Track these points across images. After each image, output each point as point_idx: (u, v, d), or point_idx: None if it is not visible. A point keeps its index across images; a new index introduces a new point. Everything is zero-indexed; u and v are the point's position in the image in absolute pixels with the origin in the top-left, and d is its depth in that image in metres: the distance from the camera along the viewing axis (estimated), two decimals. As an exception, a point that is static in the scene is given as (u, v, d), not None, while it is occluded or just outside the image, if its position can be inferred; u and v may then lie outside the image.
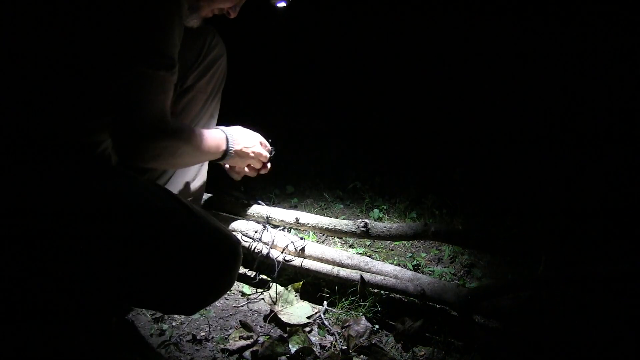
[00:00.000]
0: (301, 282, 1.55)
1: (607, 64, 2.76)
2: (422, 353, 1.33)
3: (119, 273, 0.97)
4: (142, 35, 0.98)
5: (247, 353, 1.28)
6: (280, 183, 2.27)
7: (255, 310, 1.48)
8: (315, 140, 2.74)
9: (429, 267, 1.73)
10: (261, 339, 1.32)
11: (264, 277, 1.62)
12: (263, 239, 1.59)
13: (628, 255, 1.64)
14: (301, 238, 1.59)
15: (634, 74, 2.66)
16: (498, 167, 2.43)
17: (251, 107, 2.79)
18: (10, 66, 0.98)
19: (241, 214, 1.71)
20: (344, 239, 1.89)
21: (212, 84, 1.54)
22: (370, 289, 1.45)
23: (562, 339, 1.25)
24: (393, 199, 2.20)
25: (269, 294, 1.50)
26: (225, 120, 1.65)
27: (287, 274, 1.60)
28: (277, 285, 1.53)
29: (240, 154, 1.42)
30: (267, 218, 1.63)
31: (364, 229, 1.48)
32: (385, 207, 2.13)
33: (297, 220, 1.58)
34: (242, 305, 1.51)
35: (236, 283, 1.57)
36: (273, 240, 1.56)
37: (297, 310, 1.45)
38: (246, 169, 1.53)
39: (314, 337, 1.37)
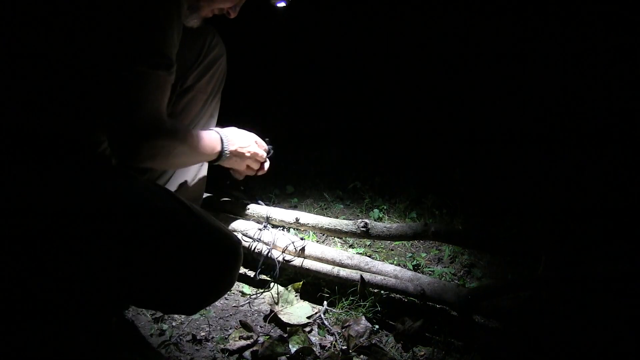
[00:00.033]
0: (301, 282, 1.55)
1: (607, 64, 2.76)
2: (422, 353, 1.33)
3: (119, 273, 0.98)
4: (141, 34, 0.98)
5: (247, 353, 1.28)
6: (280, 183, 2.27)
7: (255, 310, 1.48)
8: (315, 140, 2.74)
9: (429, 267, 1.73)
10: (261, 339, 1.32)
11: (264, 277, 1.62)
12: (263, 239, 1.59)
13: (628, 255, 1.64)
14: (301, 238, 1.59)
15: (634, 74, 2.66)
16: (498, 167, 2.43)
17: (251, 107, 2.79)
18: (10, 66, 0.98)
19: (241, 214, 1.71)
20: (344, 239, 1.89)
21: (212, 84, 1.54)
22: (370, 289, 1.45)
23: (562, 339, 1.25)
24: (393, 199, 2.20)
25: (269, 294, 1.50)
26: (225, 120, 1.65)
27: (287, 274, 1.60)
28: (277, 285, 1.53)
29: (236, 154, 1.42)
30: (267, 218, 1.63)
31: (364, 229, 1.48)
32: (385, 207, 2.13)
33: (297, 220, 1.58)
34: (242, 305, 1.51)
35: (236, 283, 1.57)
36: (273, 240, 1.56)
37: (297, 310, 1.45)
38: (245, 170, 1.53)
39: (314, 337, 1.37)
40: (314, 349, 1.29)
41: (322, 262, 1.51)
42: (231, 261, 1.06)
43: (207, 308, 1.43)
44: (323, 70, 3.18)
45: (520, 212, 2.02)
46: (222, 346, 1.30)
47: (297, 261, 1.53)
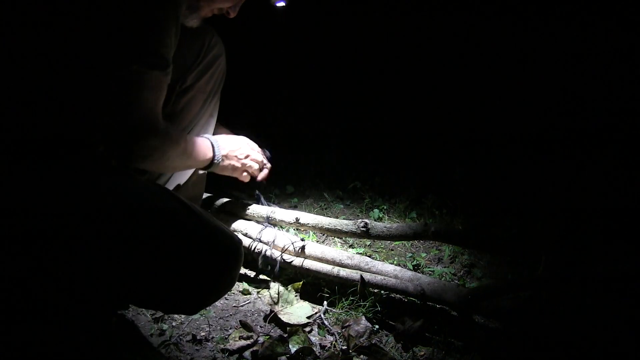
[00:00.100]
0: (301, 282, 1.55)
1: (607, 64, 2.76)
2: (422, 353, 1.33)
3: (119, 273, 0.97)
4: (138, 34, 0.98)
5: (247, 353, 1.28)
6: (280, 183, 2.27)
7: (255, 310, 1.48)
8: (315, 140, 2.74)
9: (429, 267, 1.73)
10: (261, 339, 1.32)
11: (264, 277, 1.62)
12: (263, 238, 1.59)
13: (628, 255, 1.64)
14: (301, 238, 1.59)
15: (634, 74, 2.66)
16: (498, 167, 2.42)
17: (251, 107, 2.80)
18: (8, 66, 0.98)
19: (241, 214, 1.71)
20: (344, 239, 1.89)
21: (211, 84, 1.54)
22: (370, 289, 1.45)
23: (562, 339, 1.25)
24: (393, 199, 2.20)
25: (269, 294, 1.50)
26: (225, 120, 1.65)
27: (287, 274, 1.60)
28: (278, 285, 1.53)
29: (229, 158, 1.43)
30: (267, 218, 1.63)
31: (364, 229, 1.48)
32: (385, 207, 2.13)
33: (297, 220, 1.58)
34: (242, 305, 1.50)
35: (236, 283, 1.57)
36: (273, 240, 1.56)
37: (297, 310, 1.45)
38: (244, 176, 1.53)
39: (314, 337, 1.37)
40: (314, 349, 1.29)
41: (322, 262, 1.51)
42: (231, 261, 1.06)
43: (207, 308, 1.43)
44: (323, 70, 3.18)
45: (520, 212, 2.02)
46: (222, 346, 1.30)
47: (297, 261, 1.53)
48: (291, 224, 1.61)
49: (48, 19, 0.96)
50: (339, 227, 1.54)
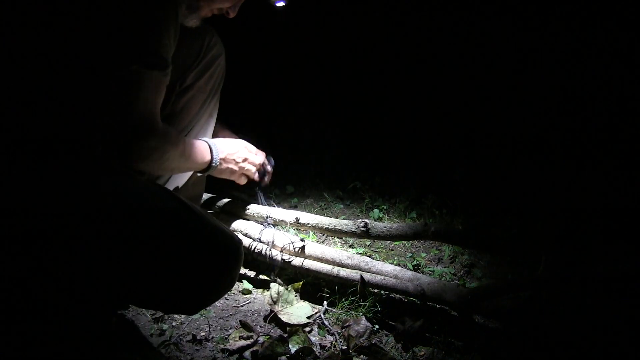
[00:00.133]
0: (301, 282, 1.55)
1: (607, 64, 2.76)
2: (422, 353, 1.33)
3: (119, 273, 0.97)
4: (137, 34, 0.98)
5: (247, 353, 1.28)
6: (280, 183, 2.27)
7: (255, 310, 1.48)
8: (315, 140, 2.74)
9: (429, 267, 1.73)
10: (261, 339, 1.32)
11: (264, 277, 1.62)
12: (263, 238, 1.59)
13: (628, 255, 1.64)
14: (301, 238, 1.59)
15: (634, 74, 2.65)
16: (498, 166, 2.42)
17: (251, 107, 2.79)
18: (9, 66, 0.98)
19: (241, 213, 1.71)
20: (344, 239, 1.89)
21: (211, 84, 1.54)
22: (370, 289, 1.45)
23: (562, 339, 1.25)
24: (393, 199, 2.20)
25: (269, 294, 1.50)
26: (225, 120, 1.65)
27: (287, 274, 1.60)
28: (278, 285, 1.53)
29: (227, 161, 1.44)
30: (267, 218, 1.63)
31: (364, 229, 1.48)
32: (385, 207, 2.13)
33: (297, 220, 1.58)
34: (242, 305, 1.50)
35: (236, 283, 1.57)
36: (273, 240, 1.56)
37: (297, 310, 1.45)
38: (241, 179, 1.54)
39: (314, 337, 1.37)
40: (314, 349, 1.29)
41: (322, 262, 1.51)
42: (231, 261, 1.06)
43: (207, 308, 1.43)
44: (323, 70, 3.18)
45: (520, 212, 2.02)
46: (222, 346, 1.30)
47: (297, 261, 1.53)
48: (291, 224, 1.61)
49: (48, 19, 0.96)
50: (339, 227, 1.54)
